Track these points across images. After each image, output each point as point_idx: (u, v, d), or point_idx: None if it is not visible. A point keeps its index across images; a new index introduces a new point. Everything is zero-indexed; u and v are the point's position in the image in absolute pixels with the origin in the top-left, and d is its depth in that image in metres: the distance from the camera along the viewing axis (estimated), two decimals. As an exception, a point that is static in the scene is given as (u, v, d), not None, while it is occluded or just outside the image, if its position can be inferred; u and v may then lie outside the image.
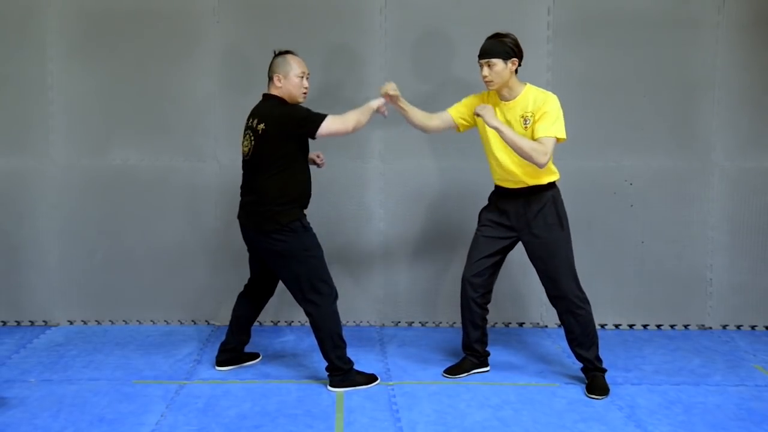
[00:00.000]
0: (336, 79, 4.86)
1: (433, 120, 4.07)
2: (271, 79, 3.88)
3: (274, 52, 3.91)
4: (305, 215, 3.91)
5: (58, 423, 3.50)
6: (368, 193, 4.98)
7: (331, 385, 3.93)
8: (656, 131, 4.93)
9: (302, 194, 3.88)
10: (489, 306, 4.12)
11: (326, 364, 3.94)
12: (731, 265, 5.01)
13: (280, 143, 3.76)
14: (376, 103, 3.92)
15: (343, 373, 3.91)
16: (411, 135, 4.88)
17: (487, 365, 4.21)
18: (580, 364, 4.01)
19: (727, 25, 4.88)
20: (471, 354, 4.16)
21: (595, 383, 3.91)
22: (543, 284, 4.01)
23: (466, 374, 4.13)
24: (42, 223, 4.91)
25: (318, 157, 4.14)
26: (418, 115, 4.05)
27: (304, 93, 3.90)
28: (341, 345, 3.91)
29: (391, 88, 3.93)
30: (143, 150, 4.91)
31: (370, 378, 4.00)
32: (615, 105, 4.92)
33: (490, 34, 3.88)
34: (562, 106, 4.85)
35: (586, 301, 3.94)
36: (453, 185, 4.90)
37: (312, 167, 4.10)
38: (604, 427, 3.53)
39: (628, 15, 4.86)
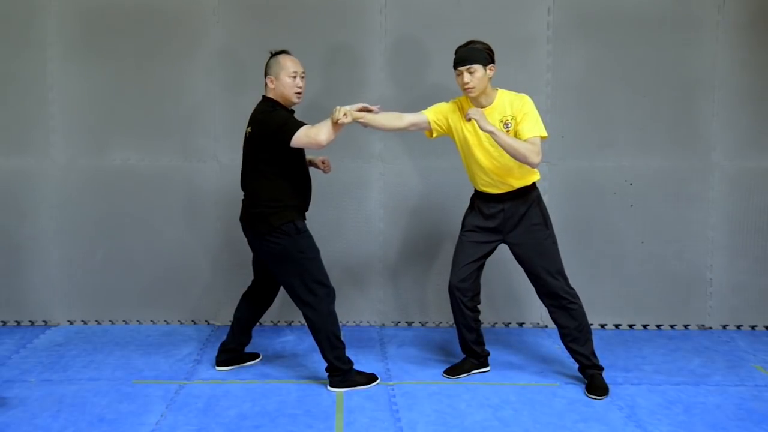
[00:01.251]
0: (336, 79, 4.86)
1: (404, 120, 3.95)
2: (265, 81, 3.88)
3: (270, 53, 3.90)
4: (303, 218, 3.90)
5: (58, 423, 3.50)
6: (368, 193, 4.98)
7: (331, 386, 3.93)
8: (656, 131, 4.93)
9: (297, 197, 3.86)
10: (484, 307, 4.14)
11: (326, 364, 3.94)
12: (731, 265, 5.01)
13: (264, 147, 3.76)
14: (333, 117, 3.66)
15: (342, 374, 3.92)
16: (411, 135, 4.87)
17: (487, 365, 4.21)
18: (577, 364, 4.02)
19: (726, 25, 4.88)
20: (471, 355, 4.17)
21: (595, 383, 3.91)
22: (533, 284, 4.02)
23: (466, 375, 4.14)
24: (42, 223, 4.91)
25: (323, 163, 4.12)
26: (383, 120, 3.88)
27: (297, 93, 3.83)
28: (339, 346, 3.91)
29: (341, 114, 3.65)
30: (143, 150, 4.91)
31: (370, 378, 4.00)
32: (615, 105, 4.92)
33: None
34: (562, 106, 4.87)
35: (576, 297, 3.96)
36: (453, 185, 4.90)
37: (317, 171, 4.10)
38: (604, 427, 3.53)
39: (628, 15, 4.86)
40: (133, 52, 4.85)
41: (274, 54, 3.88)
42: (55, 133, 4.88)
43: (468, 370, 4.15)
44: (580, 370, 4.01)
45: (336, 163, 4.82)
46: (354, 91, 4.81)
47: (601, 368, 3.98)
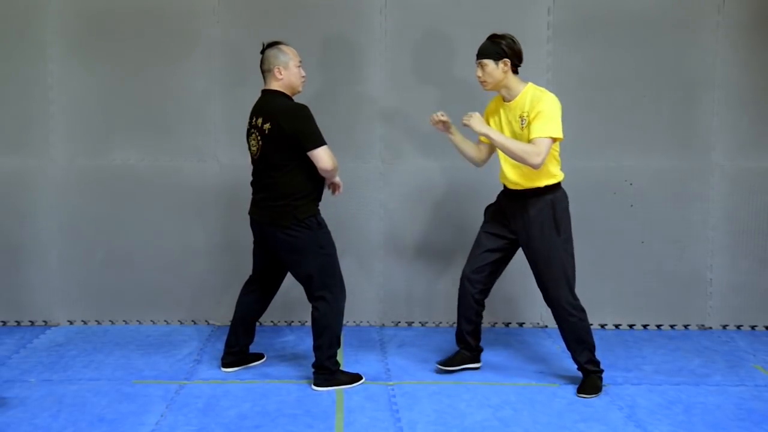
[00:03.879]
0: (336, 79, 4.86)
1: (480, 153, 4.11)
2: (269, 72, 3.85)
3: (263, 45, 3.90)
4: (320, 211, 3.92)
5: (58, 423, 3.50)
6: (368, 193, 4.98)
7: (315, 384, 3.92)
8: (656, 131, 4.93)
9: (315, 189, 3.89)
10: (486, 304, 4.12)
11: (314, 361, 3.93)
12: (731, 265, 5.01)
13: (288, 142, 3.74)
14: (338, 180, 3.99)
15: (329, 374, 3.91)
16: (411, 135, 4.88)
17: (479, 361, 4.21)
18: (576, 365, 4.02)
19: (727, 25, 4.88)
20: (464, 347, 4.17)
21: (586, 383, 3.91)
22: (538, 287, 4.00)
23: (458, 367, 4.14)
24: (42, 223, 4.91)
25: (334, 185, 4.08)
26: (469, 149, 4.09)
27: (303, 81, 3.91)
28: (335, 346, 3.91)
29: (440, 114, 3.98)
30: (143, 150, 4.91)
31: (354, 377, 4.00)
32: (615, 105, 4.92)
33: (489, 34, 3.89)
34: (563, 106, 4.84)
35: (579, 309, 3.89)
36: (453, 185, 4.90)
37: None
38: (604, 427, 3.53)
39: (628, 15, 4.86)
40: (133, 52, 4.85)
41: (270, 45, 3.87)
42: (55, 133, 4.88)
43: (459, 363, 4.15)
44: (579, 369, 4.01)
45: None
46: (354, 91, 4.81)
47: (600, 371, 3.96)
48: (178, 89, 4.89)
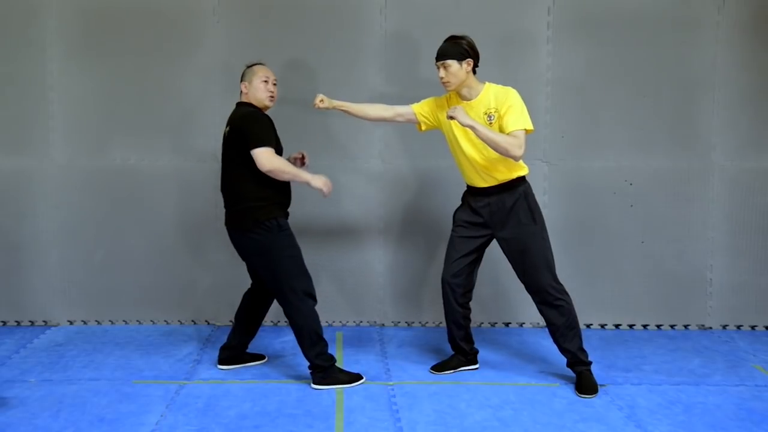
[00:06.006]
0: (336, 80, 4.86)
1: (389, 111, 4.14)
2: (240, 88, 4.02)
3: (246, 66, 4.04)
4: (285, 215, 3.95)
5: (58, 423, 3.50)
6: (368, 193, 4.98)
7: (314, 383, 3.93)
8: (656, 131, 4.94)
9: (279, 194, 3.91)
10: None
11: (307, 363, 3.95)
12: (731, 265, 5.01)
13: (239, 141, 3.83)
14: (314, 182, 3.88)
15: (323, 370, 3.92)
16: (411, 135, 4.88)
17: (476, 362, 4.23)
18: (566, 359, 4.01)
19: (727, 25, 4.88)
20: (458, 352, 4.19)
21: (583, 382, 3.91)
22: (520, 279, 4.01)
23: (452, 371, 4.16)
24: (42, 223, 4.91)
25: (302, 157, 4.14)
26: (368, 110, 4.12)
27: (270, 96, 3.97)
28: (320, 343, 3.91)
29: (318, 100, 4.02)
30: (143, 150, 4.91)
31: (354, 377, 4.00)
32: (615, 105, 4.92)
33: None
34: (562, 106, 4.86)
35: (564, 293, 3.94)
36: (453, 185, 4.89)
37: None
38: (604, 427, 3.53)
39: (628, 15, 4.87)
40: (133, 52, 4.85)
41: (249, 66, 4.03)
42: (55, 133, 4.89)
43: (455, 367, 4.18)
44: (569, 365, 4.01)
45: (336, 163, 4.84)
46: (354, 91, 4.81)
47: (589, 363, 3.97)
48: (178, 89, 4.89)
